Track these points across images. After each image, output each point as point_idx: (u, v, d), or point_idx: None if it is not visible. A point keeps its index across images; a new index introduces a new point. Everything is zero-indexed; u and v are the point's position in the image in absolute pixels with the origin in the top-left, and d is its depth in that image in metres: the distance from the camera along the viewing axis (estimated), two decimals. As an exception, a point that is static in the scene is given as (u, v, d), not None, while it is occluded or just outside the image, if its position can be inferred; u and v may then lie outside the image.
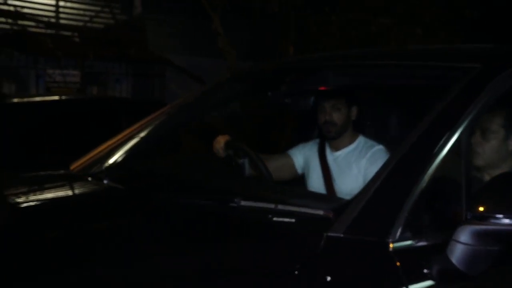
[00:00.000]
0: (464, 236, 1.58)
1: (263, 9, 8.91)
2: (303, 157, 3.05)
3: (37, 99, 6.53)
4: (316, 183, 2.96)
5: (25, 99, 6.31)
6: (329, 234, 1.54)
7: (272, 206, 1.73)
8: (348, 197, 1.81)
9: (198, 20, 9.38)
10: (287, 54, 9.64)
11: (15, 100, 6.00)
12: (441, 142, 1.71)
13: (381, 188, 1.64)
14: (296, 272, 1.41)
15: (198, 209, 1.85)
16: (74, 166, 2.61)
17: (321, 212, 1.65)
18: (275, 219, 1.68)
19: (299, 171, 3.06)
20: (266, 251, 1.54)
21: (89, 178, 2.39)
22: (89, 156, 2.66)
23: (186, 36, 10.20)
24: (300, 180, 3.07)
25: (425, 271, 1.55)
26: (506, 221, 1.54)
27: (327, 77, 2.57)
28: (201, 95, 3.01)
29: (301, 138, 3.26)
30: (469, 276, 1.58)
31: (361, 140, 2.98)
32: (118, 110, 5.53)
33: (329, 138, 2.97)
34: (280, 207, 1.71)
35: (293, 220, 1.66)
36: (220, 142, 2.68)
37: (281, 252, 1.53)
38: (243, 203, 1.78)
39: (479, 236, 1.57)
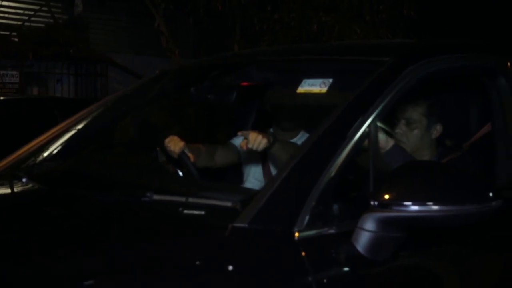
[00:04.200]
0: (368, 223, 1.61)
1: (207, 7, 8.90)
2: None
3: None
4: (254, 171, 3.09)
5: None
6: (234, 224, 1.55)
7: (183, 199, 1.73)
8: None
9: (142, 18, 9.31)
10: (232, 51, 9.65)
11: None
12: (350, 132, 1.74)
13: (288, 177, 1.65)
14: (198, 263, 1.42)
15: (111, 204, 1.84)
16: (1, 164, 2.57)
17: (229, 204, 1.66)
18: (185, 211, 1.69)
19: (242, 159, 3.17)
20: (174, 244, 1.53)
21: (7, 177, 2.36)
22: (15, 155, 2.62)
23: (130, 35, 10.11)
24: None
25: (331, 259, 1.59)
26: (408, 208, 1.58)
27: (250, 73, 2.58)
28: (129, 93, 3.00)
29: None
30: (374, 262, 1.61)
31: (303, 135, 3.13)
32: (57, 110, 5.47)
33: (287, 130, 3.12)
34: (190, 200, 1.72)
35: (202, 212, 1.67)
36: (178, 145, 2.71)
37: (188, 244, 1.53)
38: (155, 197, 1.78)
39: (382, 223, 1.61)
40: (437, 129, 2.68)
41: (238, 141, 3.14)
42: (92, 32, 9.72)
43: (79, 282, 1.35)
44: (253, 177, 3.17)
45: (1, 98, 5.98)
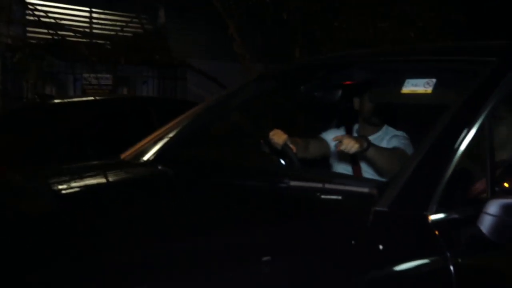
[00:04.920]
0: (493, 208, 1.58)
1: (274, 16, 8.90)
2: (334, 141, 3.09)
3: (75, 99, 6.59)
4: (343, 166, 2.99)
5: (65, 100, 6.36)
6: (377, 208, 1.55)
7: (319, 185, 1.73)
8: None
9: (216, 27, 9.37)
10: (294, 57, 9.63)
11: (57, 101, 6.05)
12: (467, 127, 1.71)
13: (418, 168, 1.65)
14: (353, 242, 1.42)
15: (251, 190, 1.85)
16: (125, 155, 2.62)
17: (366, 190, 1.65)
18: (323, 196, 1.69)
19: (331, 153, 3.10)
20: (321, 226, 1.53)
21: (144, 164, 2.40)
22: (137, 146, 2.67)
23: (205, 42, 10.20)
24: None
25: (461, 240, 1.56)
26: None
27: (353, 72, 2.56)
28: (234, 92, 3.02)
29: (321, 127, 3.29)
30: (497, 244, 1.59)
31: (386, 128, 3.05)
32: (149, 108, 5.57)
33: (376, 124, 3.04)
34: (327, 186, 1.71)
35: (339, 197, 1.67)
36: (281, 137, 2.69)
37: (336, 225, 1.52)
38: (292, 183, 1.78)
39: (506, 208, 1.58)
40: None
41: (328, 135, 3.13)
42: (172, 40, 9.85)
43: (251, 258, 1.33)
44: (342, 171, 3.13)
45: (100, 97, 6.15)
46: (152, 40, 9.36)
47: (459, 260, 1.49)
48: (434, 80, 2.22)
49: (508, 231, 1.60)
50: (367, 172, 2.90)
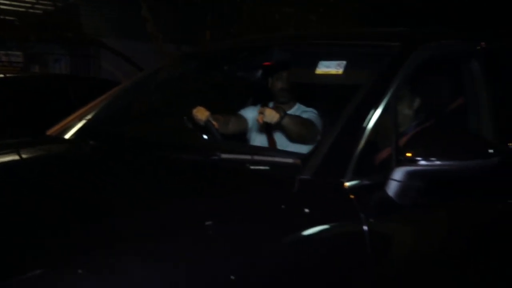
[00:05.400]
0: (398, 175, 1.73)
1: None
2: (251, 117, 3.16)
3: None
4: (260, 141, 3.08)
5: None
6: (301, 177, 1.65)
7: (248, 157, 1.80)
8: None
9: (128, 5, 9.12)
10: (205, 38, 9.61)
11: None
12: (377, 104, 1.83)
13: (335, 142, 1.76)
14: (283, 207, 1.51)
15: (184, 163, 1.88)
16: (51, 131, 2.55)
17: (291, 160, 1.74)
18: (252, 167, 1.76)
19: (248, 128, 3.18)
20: (253, 193, 1.60)
21: (72, 140, 2.35)
22: (63, 123, 2.61)
23: (118, 21, 9.88)
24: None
25: (372, 202, 1.70)
26: (429, 162, 1.70)
27: (272, 54, 2.64)
28: (157, 71, 3.01)
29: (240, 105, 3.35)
30: (402, 206, 1.73)
31: (299, 106, 3.15)
32: (65, 86, 5.37)
33: (283, 102, 3.11)
34: (256, 157, 1.78)
35: (267, 167, 1.75)
36: (204, 114, 2.77)
37: (266, 192, 1.60)
38: (223, 155, 1.83)
39: (409, 175, 1.72)
40: (417, 102, 2.79)
41: (246, 112, 3.21)
42: (84, 18, 9.47)
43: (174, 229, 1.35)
44: (259, 144, 3.22)
45: (10, 75, 5.83)
46: (63, 17, 8.95)
47: (371, 220, 1.62)
48: (344, 62, 2.35)
49: (411, 194, 1.76)
50: (281, 145, 3.02)
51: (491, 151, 1.76)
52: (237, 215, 1.44)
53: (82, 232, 1.29)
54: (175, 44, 9.48)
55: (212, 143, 2.12)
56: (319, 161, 1.68)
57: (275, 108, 2.73)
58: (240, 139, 3.33)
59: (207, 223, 1.37)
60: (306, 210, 1.52)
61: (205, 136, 2.88)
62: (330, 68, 2.37)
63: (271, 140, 3.12)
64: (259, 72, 2.86)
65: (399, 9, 9.83)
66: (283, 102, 3.14)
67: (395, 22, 8.28)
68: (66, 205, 1.49)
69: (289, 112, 3.11)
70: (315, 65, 2.42)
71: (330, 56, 2.40)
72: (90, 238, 1.26)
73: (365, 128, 1.77)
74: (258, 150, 2.10)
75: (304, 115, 3.03)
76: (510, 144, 2.37)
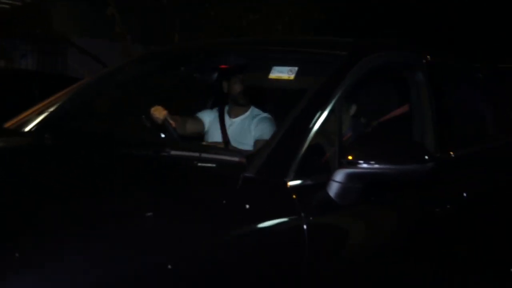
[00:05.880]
0: (339, 176, 1.77)
1: (154, 1, 8.78)
2: (208, 120, 3.17)
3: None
4: (215, 143, 3.04)
5: None
6: (245, 175, 1.67)
7: (196, 154, 1.81)
8: None
9: (98, 4, 9.02)
10: (173, 40, 9.58)
11: None
12: (322, 108, 1.88)
13: (279, 142, 1.79)
14: (224, 202, 1.53)
15: (135, 158, 1.89)
16: (9, 124, 2.52)
17: (236, 159, 1.77)
18: (199, 164, 1.78)
19: (204, 130, 3.19)
20: (198, 189, 1.62)
21: (28, 133, 2.33)
22: (21, 116, 2.58)
23: (87, 19, 9.75)
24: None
25: (313, 202, 1.74)
26: (368, 165, 1.75)
27: (228, 58, 2.67)
28: (119, 68, 3.00)
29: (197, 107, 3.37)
30: (342, 206, 1.78)
31: (253, 110, 3.16)
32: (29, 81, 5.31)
33: (241, 104, 3.12)
34: (203, 155, 1.80)
35: (214, 165, 1.77)
36: (162, 113, 2.78)
37: (210, 188, 1.62)
38: (172, 152, 1.85)
39: (349, 176, 1.77)
40: (353, 108, 2.84)
41: (203, 115, 3.22)
42: (53, 15, 9.31)
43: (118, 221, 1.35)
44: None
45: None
46: (31, 13, 8.78)
47: (311, 218, 1.65)
48: (296, 68, 2.40)
49: (350, 195, 1.80)
50: (237, 143, 3.04)
51: (426, 157, 1.83)
52: (178, 209, 1.46)
53: (22, 221, 1.29)
54: (143, 45, 9.41)
55: (164, 141, 2.13)
56: (263, 160, 1.71)
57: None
58: (197, 140, 3.34)
59: (148, 214, 1.38)
60: (247, 207, 1.54)
61: (162, 135, 2.89)
62: (282, 73, 2.41)
63: (226, 140, 3.13)
64: (215, 75, 2.88)
65: (365, 19, 10.05)
66: (242, 105, 3.15)
67: (363, 32, 8.48)
68: (12, 195, 1.48)
69: (244, 116, 3.15)
70: (268, 70, 2.46)
71: (283, 62, 2.45)
72: (31, 228, 1.26)
73: (310, 130, 1.81)
74: (207, 148, 2.12)
75: (258, 118, 3.06)
76: (451, 152, 2.46)
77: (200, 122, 3.18)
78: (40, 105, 2.66)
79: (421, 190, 2.08)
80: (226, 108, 3.24)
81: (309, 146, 1.79)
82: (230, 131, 3.12)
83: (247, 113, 3.16)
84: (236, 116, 3.16)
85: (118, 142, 2.13)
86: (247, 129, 3.07)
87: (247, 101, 3.14)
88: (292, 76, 2.37)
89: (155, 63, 2.95)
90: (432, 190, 2.16)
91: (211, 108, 3.36)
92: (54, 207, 1.39)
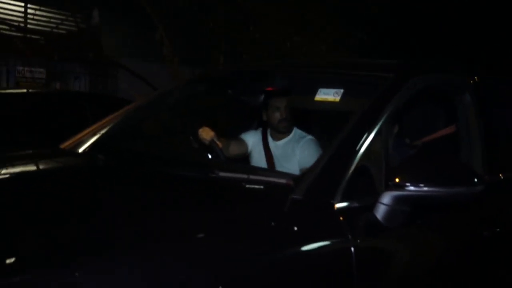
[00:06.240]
0: (386, 199, 1.75)
1: (201, 24, 8.95)
2: (251, 142, 3.16)
3: (9, 91, 6.32)
4: (260, 165, 3.06)
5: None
6: (293, 197, 1.67)
7: (244, 176, 1.83)
8: None
9: (146, 28, 9.29)
10: (218, 62, 9.74)
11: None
12: (368, 131, 1.87)
13: (326, 164, 1.79)
14: (273, 224, 1.53)
15: (185, 179, 1.92)
16: (65, 145, 2.60)
17: (284, 181, 1.77)
18: (247, 186, 1.79)
19: (248, 152, 3.18)
20: (247, 210, 1.63)
21: (86, 154, 2.40)
22: (76, 137, 2.66)
23: (136, 43, 10.04)
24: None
25: (360, 224, 1.72)
26: (416, 188, 1.73)
27: (273, 80, 2.68)
28: (169, 91, 3.07)
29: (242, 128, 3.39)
30: (389, 228, 1.76)
31: (296, 131, 3.12)
32: (83, 102, 5.47)
33: (283, 132, 3.08)
34: (251, 177, 1.82)
35: (262, 187, 1.78)
36: (209, 134, 2.80)
37: (258, 210, 1.63)
38: (221, 174, 1.87)
39: (396, 199, 1.75)
40: (396, 128, 2.78)
41: (247, 136, 3.21)
42: (105, 39, 9.64)
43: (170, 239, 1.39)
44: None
45: (33, 90, 5.97)
46: (85, 38, 9.12)
47: (358, 241, 1.64)
48: (341, 90, 2.39)
49: (397, 218, 1.78)
50: (280, 168, 3.01)
51: (476, 179, 1.78)
52: (228, 230, 1.47)
53: (81, 237, 1.33)
54: (190, 67, 9.60)
55: (213, 162, 2.15)
56: (311, 182, 1.71)
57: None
58: (242, 161, 3.35)
59: (200, 235, 1.40)
60: (295, 229, 1.54)
61: (209, 156, 2.93)
62: (328, 95, 2.41)
63: (270, 163, 3.12)
64: (261, 97, 2.90)
65: (406, 43, 9.96)
66: (283, 132, 3.11)
67: (402, 54, 8.41)
68: (70, 212, 1.54)
69: (286, 139, 3.09)
70: (314, 92, 2.46)
71: (328, 84, 2.44)
72: (90, 243, 1.30)
73: (356, 152, 1.80)
74: (255, 170, 2.13)
75: (303, 142, 3.02)
76: (500, 174, 2.39)
77: (244, 144, 3.17)
78: (95, 126, 2.74)
79: (469, 212, 2.03)
80: (269, 130, 3.21)
81: (356, 168, 1.78)
82: (274, 154, 3.09)
83: (291, 136, 3.12)
84: (279, 139, 3.12)
85: (168, 162, 2.18)
86: (292, 152, 3.04)
87: (287, 128, 3.08)
88: (337, 99, 2.37)
89: (204, 86, 3.00)
90: (480, 212, 2.10)
91: (256, 129, 3.34)
92: (113, 225, 1.43)
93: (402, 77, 2.16)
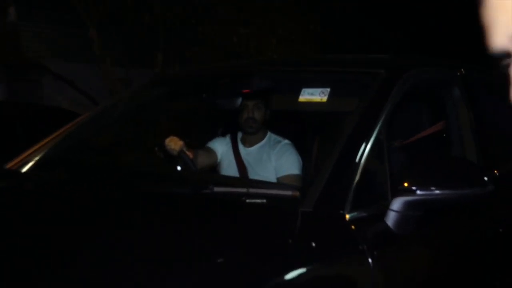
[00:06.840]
0: (396, 205, 1.81)
1: (136, 20, 8.81)
2: (220, 150, 3.15)
3: None
4: (231, 174, 3.04)
5: None
6: (303, 209, 1.70)
7: (244, 190, 1.83)
8: None
9: (72, 27, 9.06)
10: (157, 61, 9.62)
11: None
12: (368, 135, 1.92)
13: (332, 173, 1.82)
14: (290, 241, 1.55)
15: (177, 197, 1.90)
16: (11, 164, 2.53)
17: (289, 193, 1.79)
18: (248, 200, 1.80)
19: (217, 161, 3.17)
20: (254, 227, 1.64)
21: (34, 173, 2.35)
22: (24, 155, 2.60)
23: (60, 43, 9.75)
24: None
25: (372, 233, 1.77)
26: (428, 192, 1.79)
27: (249, 81, 2.70)
28: (128, 98, 3.03)
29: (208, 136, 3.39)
30: (401, 235, 1.82)
31: (270, 136, 3.12)
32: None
33: (249, 133, 3.07)
34: (251, 190, 1.83)
35: (264, 200, 1.79)
36: (178, 144, 2.78)
37: (268, 226, 1.65)
38: (216, 189, 1.87)
39: (407, 204, 1.81)
40: None
41: (214, 144, 3.19)
42: (24, 40, 9.31)
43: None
44: None
45: None
46: (1, 39, 8.77)
47: (375, 252, 1.69)
48: (328, 89, 2.44)
49: (409, 223, 1.84)
50: (252, 177, 3.00)
51: (486, 178, 1.87)
52: (239, 250, 1.48)
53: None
54: (123, 67, 9.43)
55: (198, 176, 2.14)
56: (319, 193, 1.75)
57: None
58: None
59: (214, 257, 1.40)
60: (313, 244, 1.57)
61: (178, 168, 2.90)
62: (313, 95, 2.45)
63: (243, 171, 3.08)
64: (238, 100, 2.91)
65: (360, 34, 10.23)
66: (250, 133, 3.09)
67: (357, 48, 8.62)
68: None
69: (261, 143, 3.10)
70: (297, 92, 2.49)
71: (313, 83, 2.48)
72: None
73: (360, 158, 1.85)
74: (253, 183, 2.14)
75: (279, 147, 3.02)
76: (495, 170, 2.51)
77: (213, 153, 3.14)
78: (42, 142, 2.67)
79: (478, 212, 2.13)
80: (239, 135, 3.20)
81: (361, 175, 1.83)
82: (246, 162, 3.07)
83: (264, 141, 3.10)
84: (251, 144, 3.10)
85: (144, 177, 2.15)
86: (267, 159, 3.03)
87: (255, 129, 3.06)
88: (324, 98, 2.41)
89: (161, 90, 2.96)
90: (488, 211, 2.21)
91: (223, 135, 3.32)
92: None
93: (395, 72, 2.23)
